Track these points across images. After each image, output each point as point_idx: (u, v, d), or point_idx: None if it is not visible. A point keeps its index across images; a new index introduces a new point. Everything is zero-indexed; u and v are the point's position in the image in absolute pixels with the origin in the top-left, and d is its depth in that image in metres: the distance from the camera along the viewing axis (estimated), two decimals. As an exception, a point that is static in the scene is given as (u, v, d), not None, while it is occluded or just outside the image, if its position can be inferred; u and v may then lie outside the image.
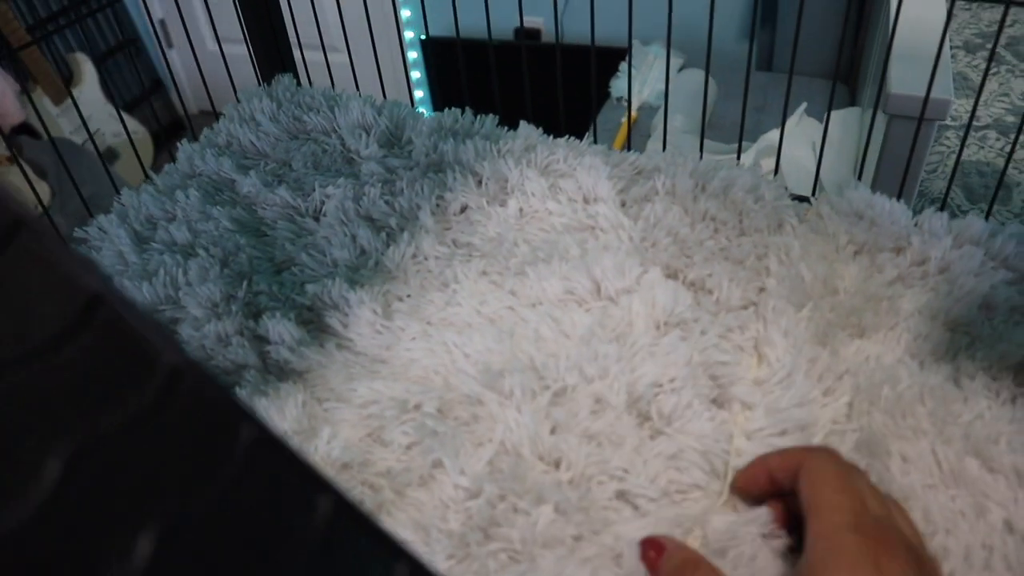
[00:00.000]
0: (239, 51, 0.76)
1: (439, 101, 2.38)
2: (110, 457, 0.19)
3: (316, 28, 0.73)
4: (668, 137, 1.44)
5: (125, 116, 2.30)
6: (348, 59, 0.80)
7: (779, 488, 0.40)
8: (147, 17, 2.04)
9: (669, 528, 0.40)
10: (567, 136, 0.63)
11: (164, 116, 2.75)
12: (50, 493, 0.18)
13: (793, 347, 0.48)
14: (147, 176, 0.68)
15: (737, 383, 0.47)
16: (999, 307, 0.50)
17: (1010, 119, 1.24)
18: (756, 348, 0.49)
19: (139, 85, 2.61)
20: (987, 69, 0.56)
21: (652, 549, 0.39)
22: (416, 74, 2.39)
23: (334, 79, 0.75)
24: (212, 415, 0.21)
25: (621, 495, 0.42)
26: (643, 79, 1.82)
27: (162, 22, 2.61)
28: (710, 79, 1.69)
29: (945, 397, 0.44)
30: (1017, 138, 0.57)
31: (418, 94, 2.43)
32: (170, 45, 2.65)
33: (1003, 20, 0.52)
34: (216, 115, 0.73)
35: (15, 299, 0.19)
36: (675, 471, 0.42)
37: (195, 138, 0.71)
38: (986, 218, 0.56)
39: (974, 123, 1.25)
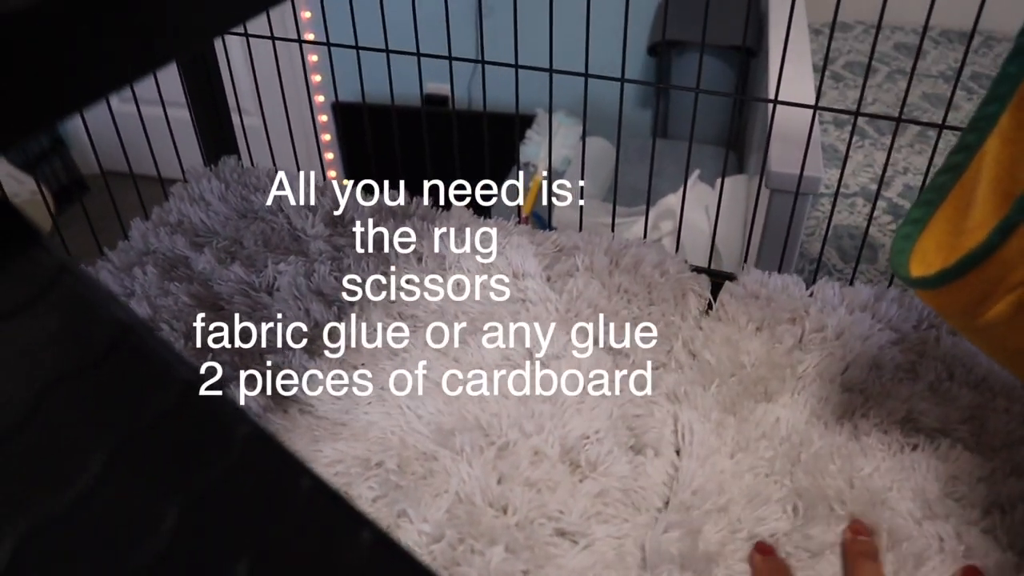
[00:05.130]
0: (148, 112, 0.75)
1: (349, 163, 2.45)
2: (140, 451, 0.25)
3: (233, 91, 0.80)
4: (573, 201, 1.53)
5: (23, 176, 2.27)
6: (262, 122, 0.83)
7: None
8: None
9: (602, 554, 0.48)
10: (495, 217, 0.71)
11: (63, 176, 2.70)
12: (88, 490, 0.24)
13: (704, 417, 0.55)
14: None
15: (649, 431, 0.55)
16: (886, 366, 0.59)
17: (873, 187, 1.40)
18: (675, 424, 0.56)
19: (38, 143, 2.56)
20: (849, 143, 0.68)
21: (759, 551, 0.48)
22: (326, 137, 2.45)
23: (249, 141, 0.82)
24: (216, 417, 0.28)
25: (559, 532, 0.49)
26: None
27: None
28: (609, 145, 1.82)
29: (850, 454, 0.53)
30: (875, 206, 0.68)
31: (328, 156, 2.49)
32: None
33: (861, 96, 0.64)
34: (105, 177, 0.77)
35: (61, 330, 0.26)
36: (601, 505, 0.50)
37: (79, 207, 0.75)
38: (851, 279, 0.66)
39: (844, 191, 1.41)
